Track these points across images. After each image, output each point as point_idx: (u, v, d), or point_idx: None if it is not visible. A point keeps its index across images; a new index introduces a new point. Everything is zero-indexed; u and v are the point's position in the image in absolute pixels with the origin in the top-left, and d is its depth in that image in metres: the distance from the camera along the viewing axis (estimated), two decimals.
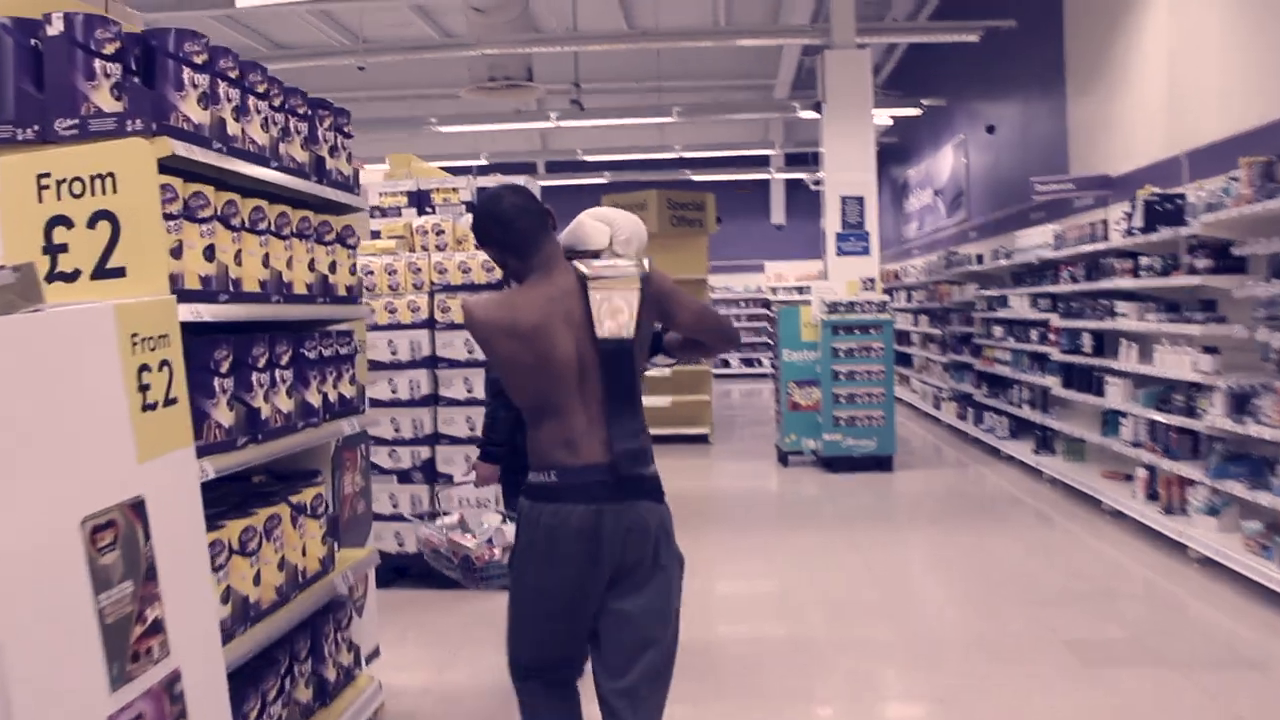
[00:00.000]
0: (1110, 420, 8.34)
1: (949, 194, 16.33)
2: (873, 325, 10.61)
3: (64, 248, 2.58)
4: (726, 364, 24.14)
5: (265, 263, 3.35)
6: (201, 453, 2.85)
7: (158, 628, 2.33)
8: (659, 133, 19.46)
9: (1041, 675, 4.82)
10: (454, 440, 6.33)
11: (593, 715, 2.95)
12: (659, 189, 13.16)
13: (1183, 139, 7.67)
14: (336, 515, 4.16)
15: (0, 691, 1.89)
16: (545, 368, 2.72)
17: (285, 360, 3.46)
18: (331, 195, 3.85)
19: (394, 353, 6.31)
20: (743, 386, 22.09)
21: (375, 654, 4.64)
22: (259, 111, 3.33)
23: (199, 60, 2.96)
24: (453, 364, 6.27)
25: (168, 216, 2.78)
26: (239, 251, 3.17)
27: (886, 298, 11.04)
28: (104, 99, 2.73)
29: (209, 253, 2.98)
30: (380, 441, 6.34)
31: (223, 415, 3.01)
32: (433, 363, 6.32)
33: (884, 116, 16.81)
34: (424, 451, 6.34)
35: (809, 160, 21.35)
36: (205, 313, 2.86)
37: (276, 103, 3.51)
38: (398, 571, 6.42)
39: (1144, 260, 7.44)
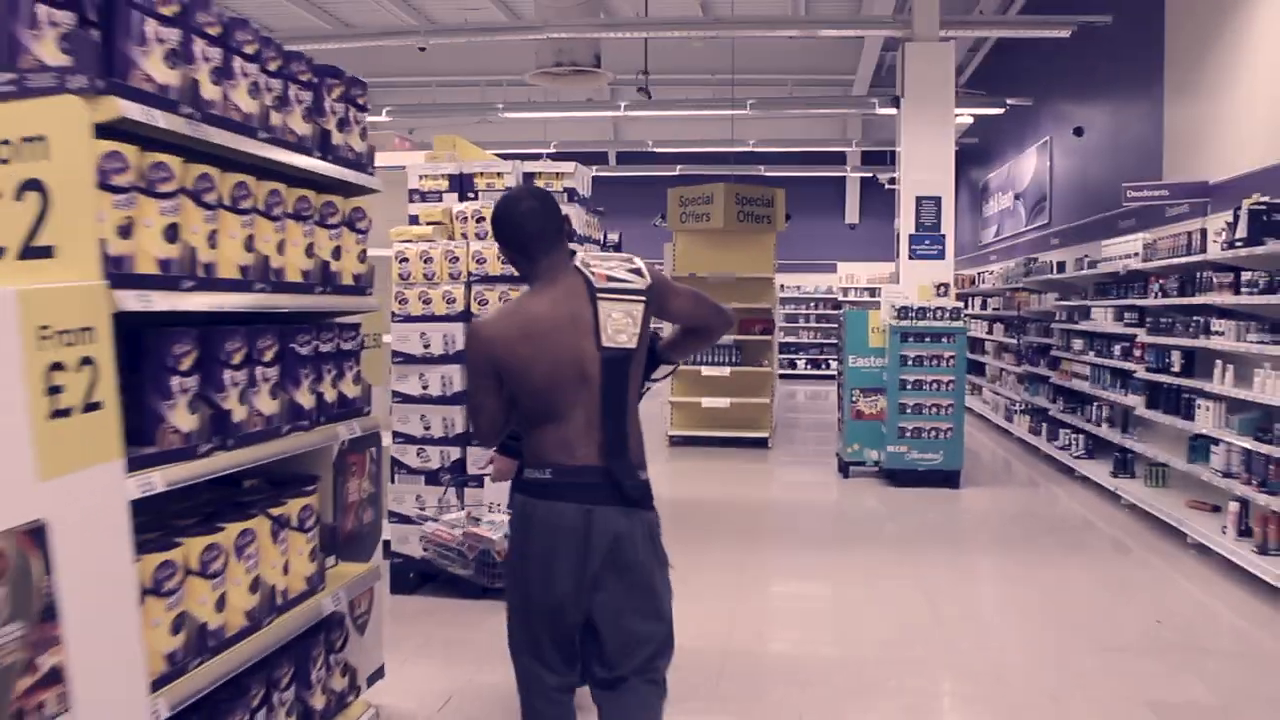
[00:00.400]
0: (1198, 446, 7.70)
1: (1030, 199, 15.65)
2: (945, 333, 10.03)
3: None
4: (793, 365, 23.62)
5: (250, 246, 2.98)
6: (148, 463, 2.48)
7: (55, 677, 1.95)
8: (730, 127, 18.97)
9: None
10: None
11: None
12: (727, 183, 12.74)
13: None
14: (336, 526, 3.79)
15: None
16: (553, 370, 2.81)
17: (269, 356, 3.09)
18: (335, 173, 3.47)
19: (426, 346, 5.94)
20: (808, 388, 21.53)
21: (379, 674, 4.25)
22: (246, 75, 2.95)
23: (167, 11, 2.58)
24: None
25: (117, 189, 2.40)
26: (214, 232, 2.79)
27: (960, 304, 10.45)
28: (48, 51, 2.37)
29: (171, 233, 2.60)
30: (408, 439, 5.98)
31: (181, 419, 2.64)
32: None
33: (965, 116, 16.11)
34: (454, 452, 5.97)
35: (887, 160, 20.70)
36: (160, 301, 2.49)
37: (272, 67, 3.13)
38: (424, 577, 6.07)
39: (1246, 275, 6.80)
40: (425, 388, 5.97)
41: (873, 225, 24.07)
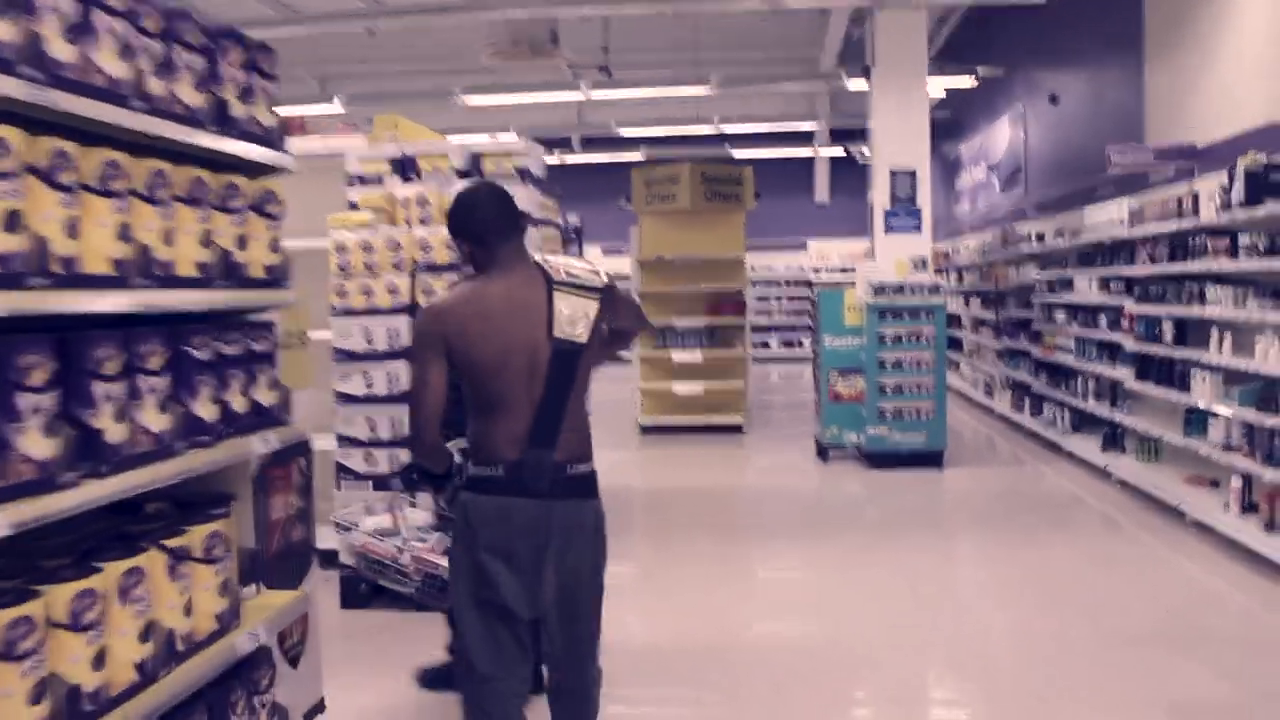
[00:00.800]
0: (1195, 419, 7.36)
1: (1005, 170, 15.30)
2: (924, 309, 9.66)
3: None
4: (766, 345, 23.29)
5: (126, 236, 2.53)
6: None
7: None
8: (696, 107, 18.48)
9: None
10: None
11: None
12: (693, 163, 12.31)
13: None
14: (258, 549, 3.35)
15: None
16: (503, 354, 2.82)
17: (156, 363, 2.64)
18: (237, 149, 3.02)
19: (369, 341, 5.50)
20: (782, 369, 21.23)
21: (318, 709, 3.82)
22: (114, 34, 2.50)
23: None
24: None
25: None
26: (73, 220, 2.35)
27: (939, 279, 10.08)
28: None
29: (11, 221, 2.15)
30: (354, 443, 5.54)
31: (33, 445, 2.19)
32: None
33: (937, 89, 15.68)
34: (404, 455, 5.53)
35: (856, 136, 20.30)
36: None
37: (150, 26, 2.67)
38: (376, 589, 5.62)
39: (1244, 239, 6.43)
40: (370, 386, 5.54)
41: (843, 203, 23.66)
